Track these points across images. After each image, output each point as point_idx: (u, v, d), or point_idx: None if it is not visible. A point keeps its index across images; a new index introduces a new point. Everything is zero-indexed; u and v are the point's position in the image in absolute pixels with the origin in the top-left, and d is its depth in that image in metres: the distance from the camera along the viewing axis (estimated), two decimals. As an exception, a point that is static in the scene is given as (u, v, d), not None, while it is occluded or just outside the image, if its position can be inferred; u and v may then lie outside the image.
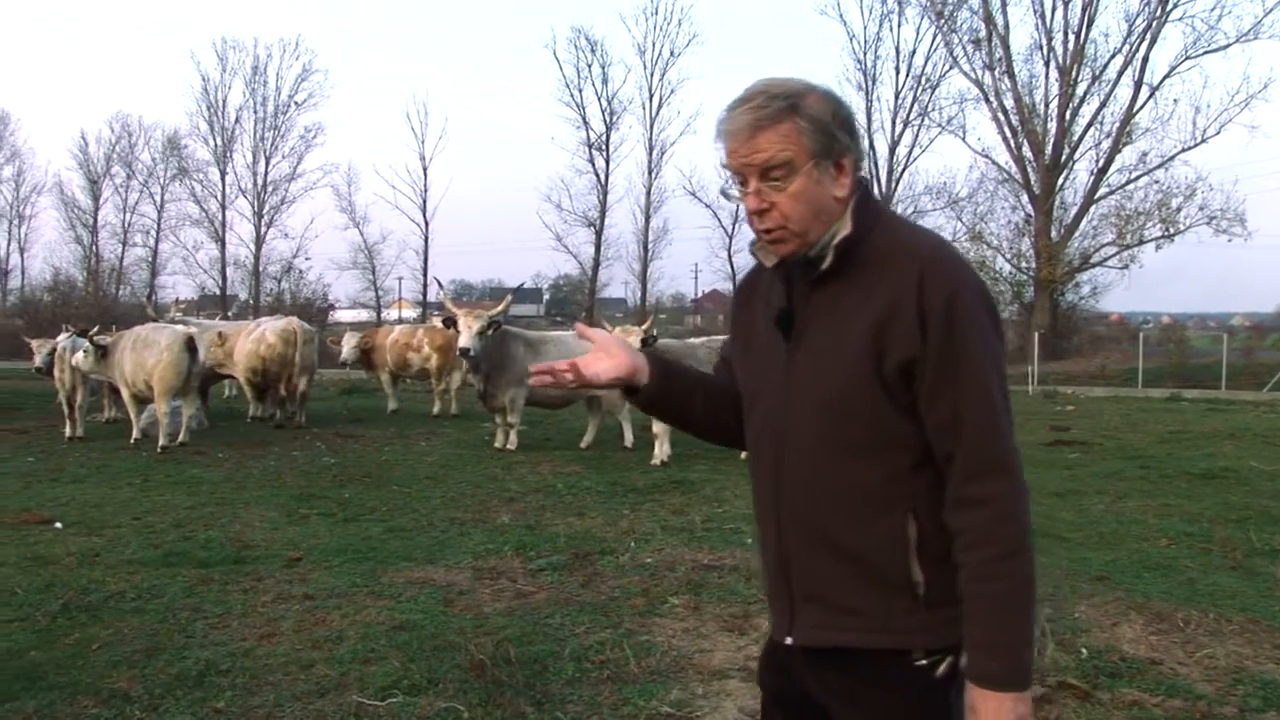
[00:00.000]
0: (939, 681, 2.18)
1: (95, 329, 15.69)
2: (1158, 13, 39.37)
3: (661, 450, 12.71)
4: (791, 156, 2.13)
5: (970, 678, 2.10)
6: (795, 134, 2.13)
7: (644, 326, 12.95)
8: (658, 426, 12.77)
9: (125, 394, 14.56)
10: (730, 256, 54.07)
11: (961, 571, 2.11)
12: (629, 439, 14.26)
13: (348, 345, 20.11)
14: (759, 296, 2.40)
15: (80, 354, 14.49)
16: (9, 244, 62.68)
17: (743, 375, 2.41)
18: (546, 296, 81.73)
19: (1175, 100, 41.04)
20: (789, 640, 2.29)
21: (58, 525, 8.80)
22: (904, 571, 2.15)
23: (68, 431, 15.07)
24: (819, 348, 2.20)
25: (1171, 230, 40.05)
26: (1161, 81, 39.85)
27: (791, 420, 2.24)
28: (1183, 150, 39.61)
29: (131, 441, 14.32)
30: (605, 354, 2.46)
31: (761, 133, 2.13)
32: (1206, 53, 39.00)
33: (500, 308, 14.03)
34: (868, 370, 2.13)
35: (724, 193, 2.28)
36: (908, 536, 2.15)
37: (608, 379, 2.46)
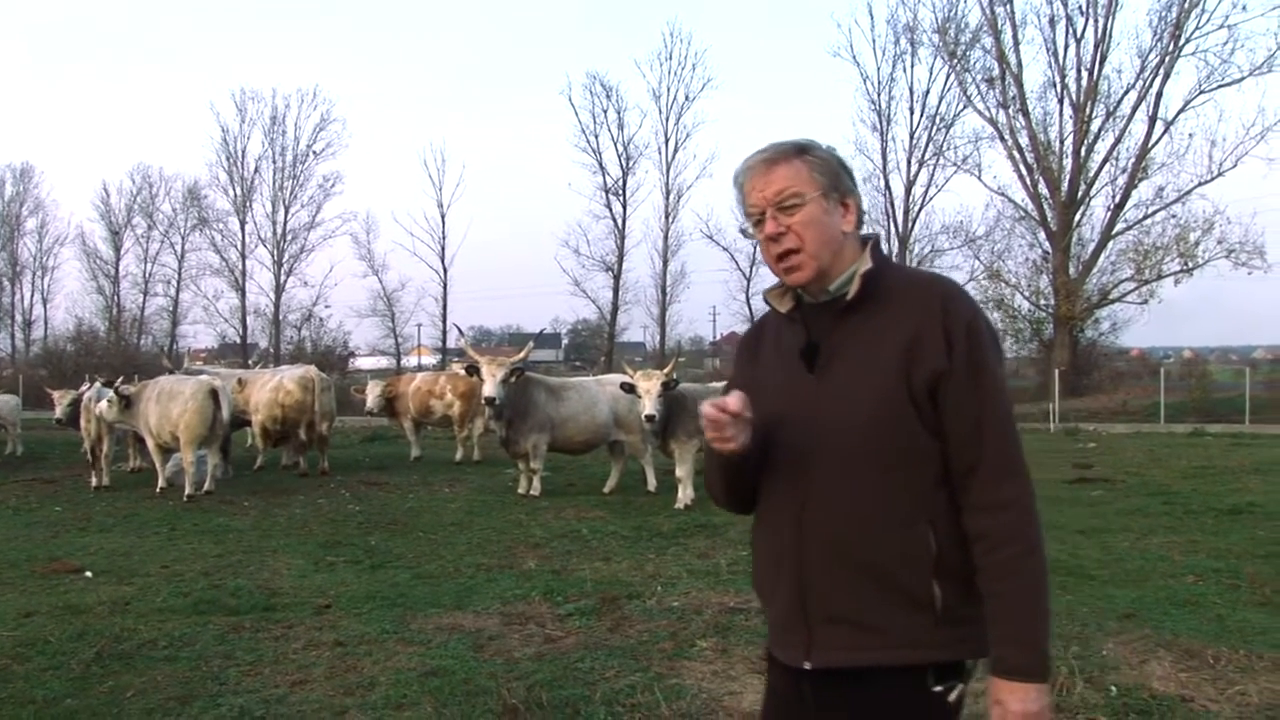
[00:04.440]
0: (949, 707, 2.32)
1: (119, 379, 15.83)
2: (1170, 48, 39.42)
3: (685, 494, 12.71)
4: (802, 188, 2.40)
5: (996, 673, 2.27)
6: (805, 169, 2.42)
7: (665, 371, 12.99)
8: (681, 470, 12.80)
9: (150, 444, 14.68)
10: (748, 299, 54.04)
11: (984, 574, 2.30)
12: (652, 483, 14.27)
13: (372, 394, 20.14)
14: (765, 346, 2.61)
15: (104, 404, 14.61)
16: (32, 295, 63.24)
17: (761, 415, 2.43)
18: (565, 341, 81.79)
19: (1190, 135, 40.61)
20: (807, 665, 2.39)
21: (88, 574, 8.88)
22: (924, 587, 2.30)
23: (94, 481, 15.19)
24: (849, 372, 2.37)
25: (1190, 264, 39.89)
26: (1176, 116, 39.85)
27: (820, 442, 2.37)
28: (1199, 184, 39.53)
29: (158, 490, 14.44)
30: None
31: (775, 168, 2.42)
32: (1220, 86, 38.95)
33: (522, 355, 14.08)
34: (899, 387, 2.32)
35: (742, 231, 2.52)
36: (929, 551, 2.31)
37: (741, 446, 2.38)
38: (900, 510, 2.32)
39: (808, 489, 2.38)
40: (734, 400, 2.33)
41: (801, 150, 2.44)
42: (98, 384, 16.16)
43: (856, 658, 2.32)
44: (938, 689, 2.30)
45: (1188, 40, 39.20)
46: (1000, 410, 2.34)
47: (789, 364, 2.47)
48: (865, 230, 2.53)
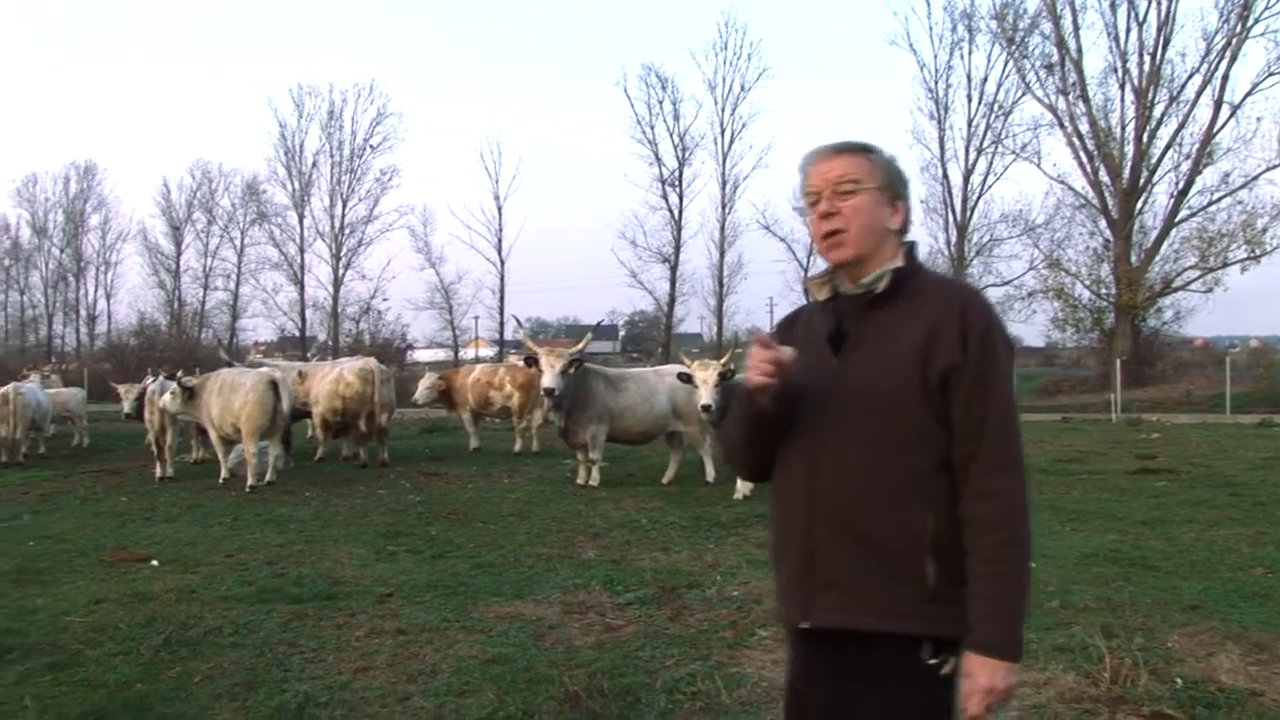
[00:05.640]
0: (943, 679, 2.51)
1: (179, 372, 16.04)
2: (1237, 29, 38.68)
3: (744, 484, 12.69)
4: (860, 177, 2.64)
5: (970, 647, 2.47)
6: (866, 164, 2.66)
7: (722, 361, 12.97)
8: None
9: (213, 435, 14.88)
10: (806, 290, 53.86)
11: (971, 556, 2.50)
12: (711, 474, 14.24)
13: (422, 386, 20.48)
14: (797, 330, 2.83)
15: (168, 396, 14.83)
16: (96, 290, 64.12)
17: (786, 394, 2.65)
18: (622, 333, 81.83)
19: (1258, 118, 39.80)
20: (805, 625, 2.61)
21: (154, 563, 9.02)
22: (918, 563, 2.51)
23: (158, 472, 15.38)
24: (871, 358, 2.59)
25: (1257, 251, 39.13)
26: (1243, 100, 39.06)
27: (835, 421, 2.58)
28: (1267, 169, 38.74)
29: (220, 481, 14.62)
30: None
31: (840, 156, 2.67)
32: (1292, 67, 38.23)
33: (580, 345, 14.13)
34: (915, 377, 2.53)
35: (797, 209, 2.62)
36: (925, 531, 2.51)
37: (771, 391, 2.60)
38: (901, 489, 2.53)
39: (819, 463, 2.59)
40: (786, 350, 2.57)
41: (866, 149, 2.68)
42: (161, 377, 16.39)
43: (848, 620, 2.53)
44: (931, 661, 2.50)
45: (1256, 21, 38.46)
46: (1004, 408, 2.55)
47: (815, 348, 2.68)
48: (918, 235, 2.70)
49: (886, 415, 2.53)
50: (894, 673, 2.51)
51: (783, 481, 2.73)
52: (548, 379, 13.08)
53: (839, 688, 2.58)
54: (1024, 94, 44.21)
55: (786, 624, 2.74)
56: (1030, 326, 46.60)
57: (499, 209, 54.87)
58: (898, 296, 2.61)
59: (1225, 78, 39.18)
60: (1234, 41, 38.80)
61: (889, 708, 2.52)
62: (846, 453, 2.56)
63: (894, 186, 2.68)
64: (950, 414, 2.53)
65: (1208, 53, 39.43)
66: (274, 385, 14.31)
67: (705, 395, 12.31)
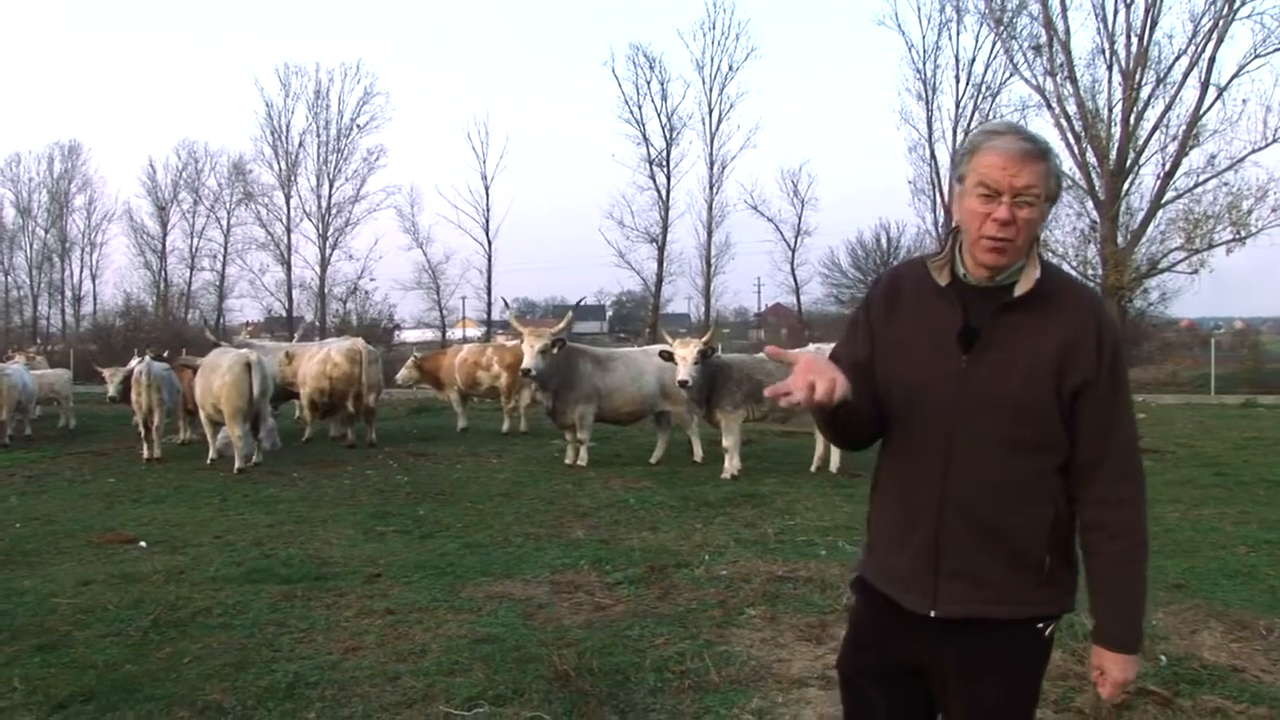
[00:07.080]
0: (1046, 640, 2.74)
1: (183, 350, 16.06)
2: (1224, 11, 38.51)
3: (732, 464, 12.74)
4: (1041, 190, 2.65)
5: (1104, 643, 2.71)
6: (1046, 175, 2.67)
7: (704, 339, 12.98)
8: (727, 441, 12.82)
9: (202, 416, 14.86)
10: (793, 270, 53.90)
11: (1100, 559, 2.70)
12: (699, 454, 14.29)
13: (405, 366, 20.67)
14: (903, 305, 2.82)
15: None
16: (82, 271, 63.67)
17: (899, 376, 2.76)
18: (610, 313, 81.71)
19: (1244, 100, 39.29)
20: (932, 613, 2.71)
21: (142, 544, 9.02)
22: (1038, 554, 2.66)
23: (145, 453, 15.34)
24: (1007, 364, 2.65)
25: (1243, 233, 38.98)
26: (1229, 82, 38.83)
27: (968, 420, 2.66)
28: (1253, 151, 38.51)
29: (208, 462, 14.61)
30: (821, 373, 2.52)
31: (1031, 162, 2.63)
32: (1277, 50, 38.12)
33: (562, 325, 14.13)
34: (1049, 385, 2.64)
35: (959, 179, 2.72)
36: (1048, 525, 2.66)
37: (839, 398, 2.53)
38: (1028, 488, 2.66)
39: (952, 460, 2.67)
40: (841, 385, 2.50)
41: (1047, 154, 2.67)
42: (147, 358, 16.34)
43: (975, 609, 2.67)
44: (1039, 626, 2.70)
45: (1243, 3, 38.38)
46: (1130, 419, 2.73)
47: (938, 338, 2.72)
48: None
49: (1022, 419, 2.64)
50: (1005, 644, 2.69)
51: (907, 475, 2.80)
52: (526, 359, 13.11)
53: (953, 662, 2.73)
54: (1012, 75, 44.06)
55: (891, 600, 2.80)
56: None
57: (486, 189, 54.68)
58: (1033, 299, 2.69)
59: (1212, 60, 39.01)
60: (1220, 24, 38.66)
61: (1000, 676, 2.71)
62: (979, 452, 2.65)
63: (1055, 195, 2.75)
64: (1077, 421, 2.66)
65: (1194, 35, 39.26)
66: (249, 366, 14.23)
67: (683, 370, 12.35)
